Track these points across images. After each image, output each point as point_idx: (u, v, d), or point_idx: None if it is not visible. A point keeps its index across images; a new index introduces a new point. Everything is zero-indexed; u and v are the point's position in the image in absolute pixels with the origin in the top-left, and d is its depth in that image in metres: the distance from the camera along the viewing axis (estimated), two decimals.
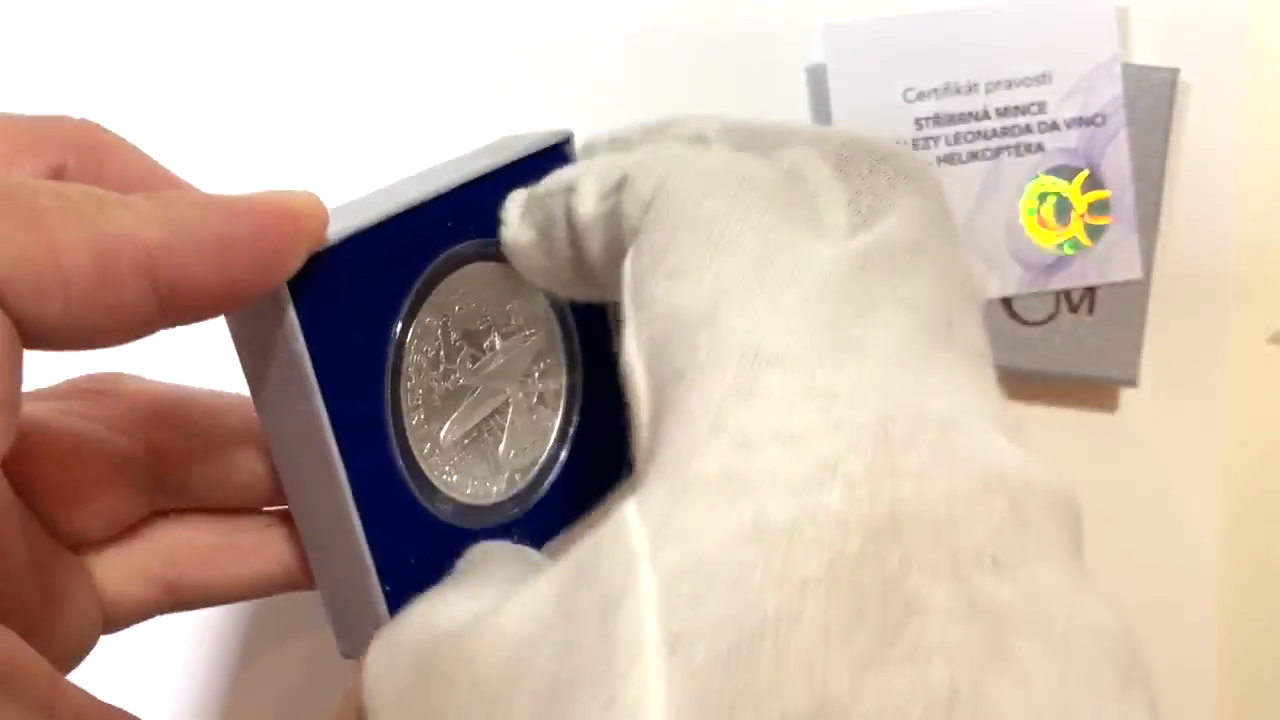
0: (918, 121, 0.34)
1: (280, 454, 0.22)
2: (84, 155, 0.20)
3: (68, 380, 0.24)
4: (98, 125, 0.21)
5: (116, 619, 0.23)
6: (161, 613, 0.24)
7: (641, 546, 0.15)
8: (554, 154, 0.25)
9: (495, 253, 0.24)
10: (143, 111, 0.35)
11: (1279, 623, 0.36)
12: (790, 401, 0.16)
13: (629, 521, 0.16)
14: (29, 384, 0.23)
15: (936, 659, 0.14)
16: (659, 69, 0.35)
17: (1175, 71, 0.34)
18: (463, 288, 0.24)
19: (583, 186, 0.21)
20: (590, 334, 0.27)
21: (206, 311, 0.19)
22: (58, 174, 0.20)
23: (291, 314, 0.20)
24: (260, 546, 0.24)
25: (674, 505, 0.15)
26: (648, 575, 0.15)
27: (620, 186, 0.20)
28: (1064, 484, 0.17)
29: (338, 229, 0.21)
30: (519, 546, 0.25)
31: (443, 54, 0.35)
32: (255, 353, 0.21)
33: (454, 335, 0.24)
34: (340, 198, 0.22)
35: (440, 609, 0.19)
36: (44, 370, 0.23)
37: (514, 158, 0.24)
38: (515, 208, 0.23)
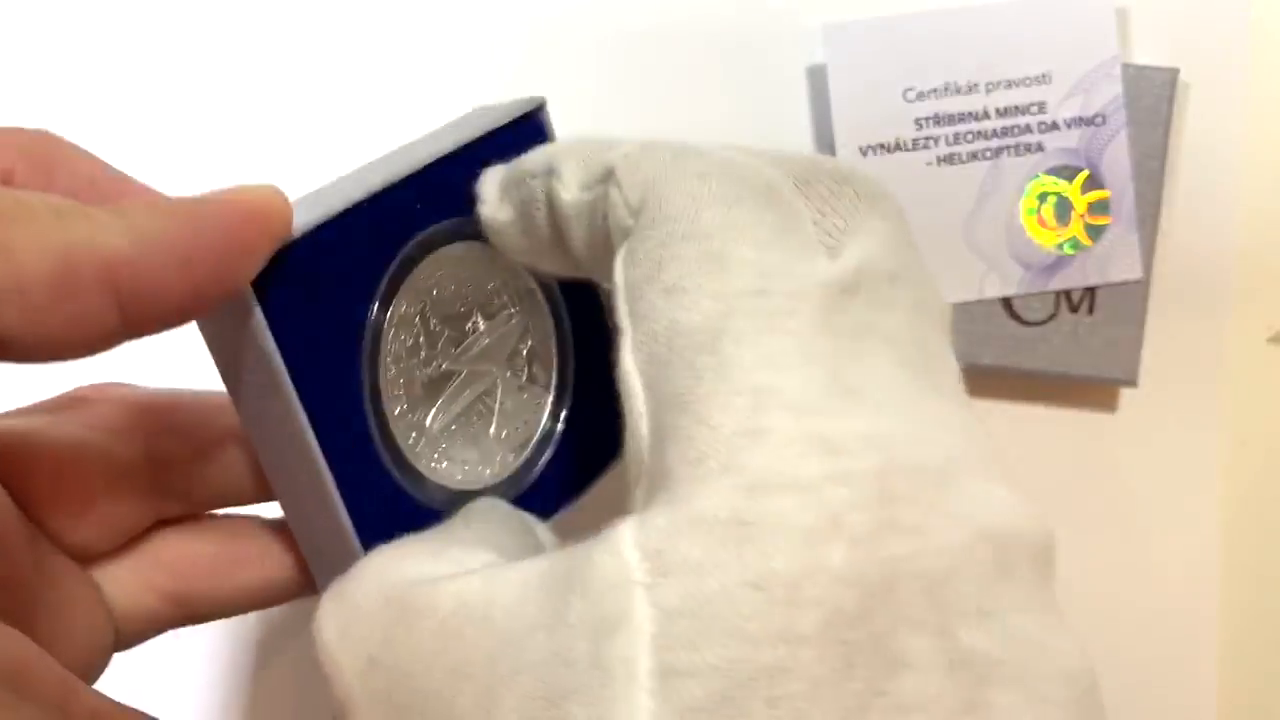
0: (918, 121, 0.34)
1: (263, 454, 0.22)
2: (33, 162, 0.20)
3: (61, 394, 0.24)
4: (48, 133, 0.21)
5: (128, 635, 0.23)
6: (172, 626, 0.24)
7: (640, 575, 0.16)
8: (528, 123, 0.25)
9: (472, 231, 0.23)
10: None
11: (1279, 623, 0.36)
12: (798, 448, 0.16)
13: (627, 545, 0.16)
14: (22, 400, 0.23)
15: (915, 715, 0.15)
16: (659, 69, 0.35)
17: (1175, 71, 0.34)
18: (440, 270, 0.23)
19: (565, 171, 0.21)
20: (579, 307, 0.26)
21: (171, 320, 0.19)
22: (5, 180, 0.20)
23: (258, 313, 0.20)
24: (264, 553, 0.24)
25: (677, 539, 0.16)
26: (644, 607, 0.15)
27: (606, 179, 0.20)
28: (1041, 522, 0.18)
29: (302, 221, 0.20)
30: (519, 512, 0.24)
31: (441, 53, 0.35)
32: (226, 353, 0.21)
33: (433, 321, 0.24)
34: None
35: (420, 561, 0.19)
36: (33, 388, 0.23)
37: (485, 130, 0.23)
38: (492, 186, 0.23)
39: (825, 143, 0.35)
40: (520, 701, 0.16)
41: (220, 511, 0.25)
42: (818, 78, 0.34)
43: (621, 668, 0.15)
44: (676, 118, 0.35)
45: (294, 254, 0.20)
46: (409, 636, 0.18)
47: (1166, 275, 0.35)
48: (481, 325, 0.25)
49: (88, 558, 0.22)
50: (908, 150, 0.34)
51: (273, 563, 0.24)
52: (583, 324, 0.26)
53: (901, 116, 0.34)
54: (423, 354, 0.24)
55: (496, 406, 0.25)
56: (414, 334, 0.23)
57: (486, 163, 0.23)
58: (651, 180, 0.19)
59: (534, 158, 0.22)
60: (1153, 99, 0.34)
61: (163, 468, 0.23)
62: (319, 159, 0.35)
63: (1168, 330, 0.35)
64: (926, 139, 0.34)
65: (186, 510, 0.24)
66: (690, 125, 0.35)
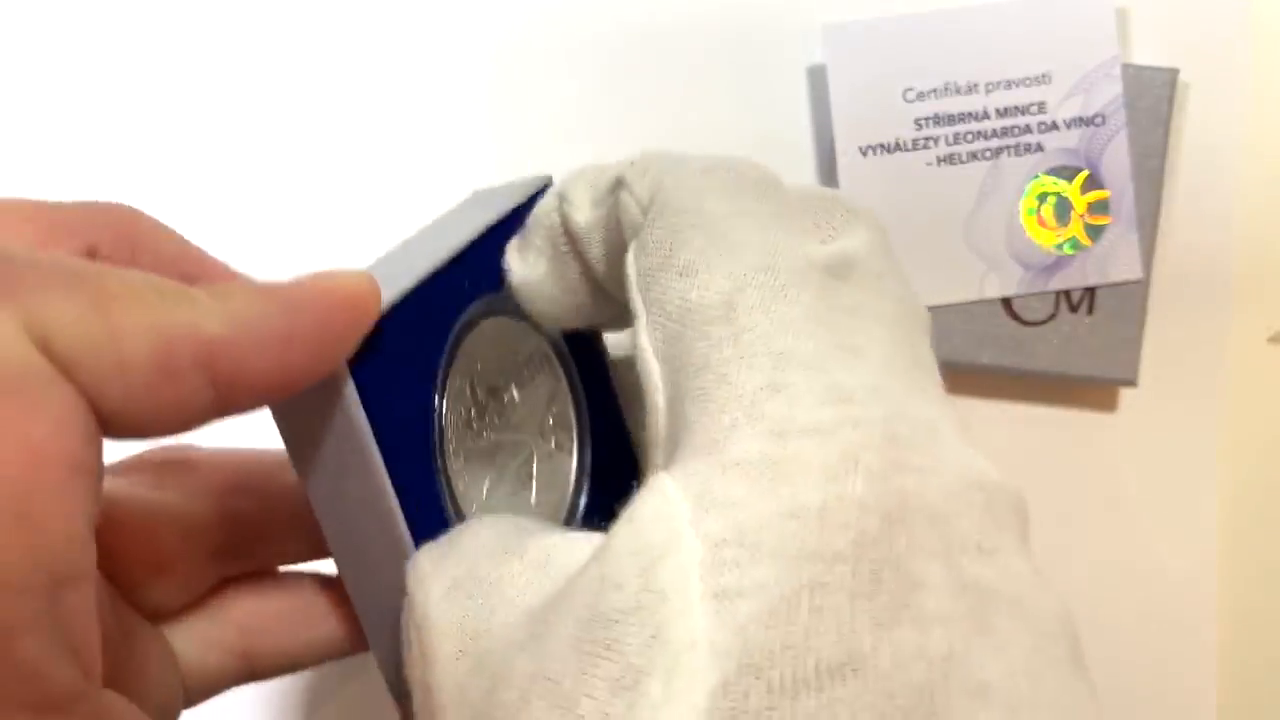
0: (918, 121, 0.34)
1: (336, 529, 0.21)
2: (117, 238, 0.21)
3: (137, 454, 0.24)
4: (131, 208, 0.21)
5: (196, 691, 0.23)
6: (238, 683, 0.24)
7: (684, 513, 0.17)
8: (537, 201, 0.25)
9: (503, 307, 0.24)
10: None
11: (1279, 623, 0.36)
12: (815, 397, 0.18)
13: (668, 491, 0.18)
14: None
15: (935, 626, 0.16)
16: (659, 69, 0.35)
17: (1175, 71, 0.34)
18: (481, 345, 0.24)
19: (575, 195, 0.22)
20: (588, 370, 0.27)
21: (264, 401, 0.19)
22: (91, 255, 0.20)
23: (352, 391, 0.20)
24: (327, 610, 0.24)
25: (714, 481, 0.17)
26: (692, 539, 0.17)
27: (615, 188, 0.21)
28: (1015, 486, 0.19)
29: (384, 298, 0.21)
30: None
31: (440, 53, 0.35)
32: (307, 431, 0.20)
33: (480, 393, 0.24)
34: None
35: (491, 535, 0.20)
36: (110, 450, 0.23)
37: (507, 210, 0.24)
38: (515, 252, 0.24)
39: (825, 143, 0.35)
40: (575, 626, 0.17)
41: (283, 568, 0.25)
42: (818, 78, 0.34)
43: (675, 590, 0.16)
44: (677, 118, 0.35)
45: (378, 331, 0.20)
46: (499, 575, 0.19)
47: (1166, 275, 0.35)
48: (516, 395, 0.25)
49: (161, 616, 0.23)
50: (908, 150, 0.34)
51: (335, 619, 0.24)
52: (594, 387, 0.27)
53: (901, 116, 0.34)
54: (474, 426, 0.24)
55: (534, 474, 0.26)
56: (466, 408, 0.24)
57: (506, 239, 0.24)
58: (658, 178, 0.21)
59: (544, 201, 0.23)
60: (1153, 99, 0.34)
61: (232, 527, 0.23)
62: (320, 164, 0.35)
63: (1168, 330, 0.35)
64: (926, 139, 0.34)
65: (253, 568, 0.24)
66: (690, 125, 0.35)
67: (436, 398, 0.22)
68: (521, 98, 0.35)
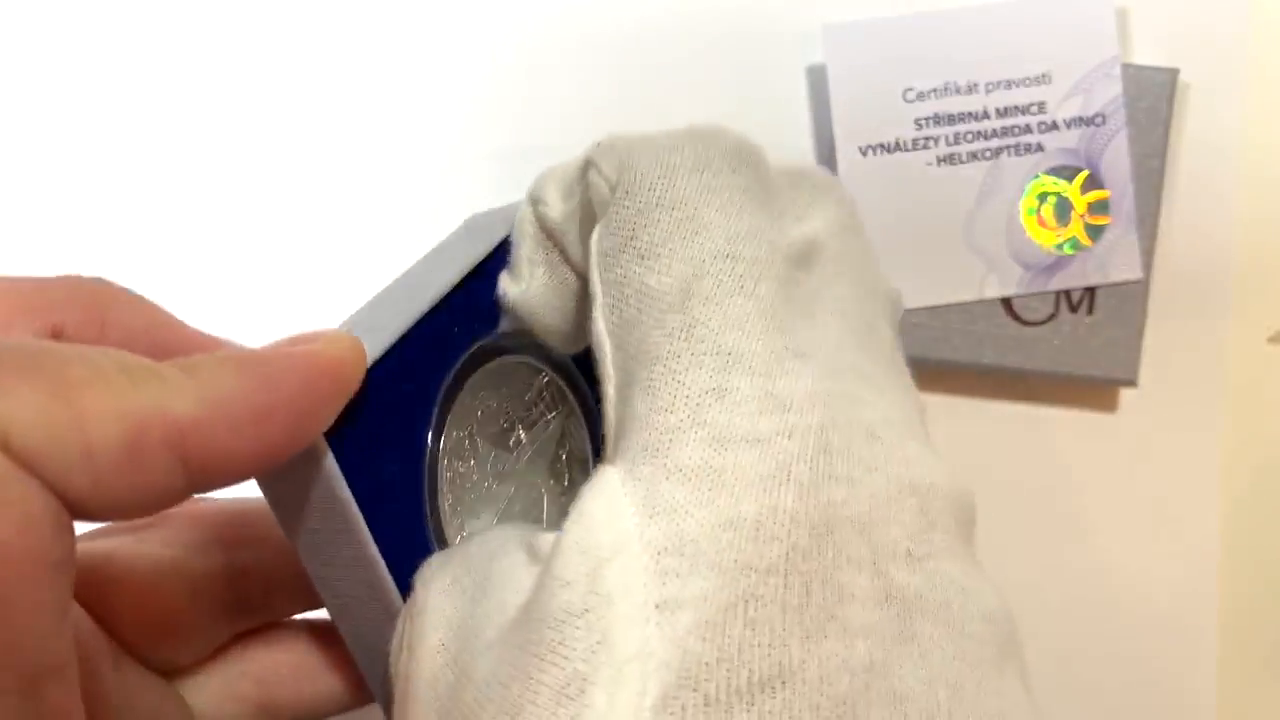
0: (918, 121, 0.34)
1: (328, 592, 0.21)
2: (84, 313, 0.20)
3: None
4: (99, 280, 0.21)
5: None
6: None
7: (630, 516, 0.17)
8: None
9: (502, 345, 0.23)
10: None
11: (1279, 622, 0.36)
12: (755, 405, 0.18)
13: (616, 492, 0.18)
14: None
15: (859, 638, 0.17)
16: (659, 69, 0.35)
17: (1175, 71, 0.34)
18: (482, 390, 0.23)
19: (545, 193, 0.22)
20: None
21: (240, 478, 0.18)
22: (56, 334, 0.20)
23: (331, 463, 0.19)
24: (344, 658, 0.24)
25: (659, 486, 0.18)
26: (637, 545, 0.17)
27: (584, 173, 0.21)
28: (961, 484, 0.19)
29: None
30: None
31: (441, 53, 0.35)
32: (290, 500, 0.20)
33: (480, 442, 0.23)
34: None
35: (496, 537, 0.20)
36: None
37: (492, 244, 0.23)
38: (506, 276, 0.23)
39: (825, 143, 0.35)
40: (526, 627, 0.17)
41: (300, 617, 0.25)
42: (818, 78, 0.34)
43: (621, 595, 0.17)
44: (676, 118, 0.35)
45: (362, 400, 0.19)
46: (493, 572, 0.19)
47: (1166, 275, 0.35)
48: (524, 437, 0.25)
49: (174, 672, 0.23)
50: (908, 150, 0.34)
51: (354, 667, 0.24)
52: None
53: (901, 116, 0.34)
54: (474, 477, 0.23)
55: (544, 516, 0.25)
56: (466, 458, 0.23)
57: (496, 272, 0.23)
58: (625, 155, 0.21)
59: (519, 212, 0.23)
60: (1153, 99, 0.34)
61: (242, 580, 0.23)
62: (320, 165, 0.35)
63: (1168, 330, 0.35)
64: (926, 139, 0.34)
65: (267, 619, 0.24)
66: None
67: (430, 450, 0.22)
68: (520, 98, 0.35)
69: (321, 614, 0.24)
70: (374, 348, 0.20)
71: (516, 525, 0.22)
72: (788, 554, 0.17)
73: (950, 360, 0.34)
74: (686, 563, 0.17)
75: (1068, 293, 0.34)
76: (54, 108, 0.35)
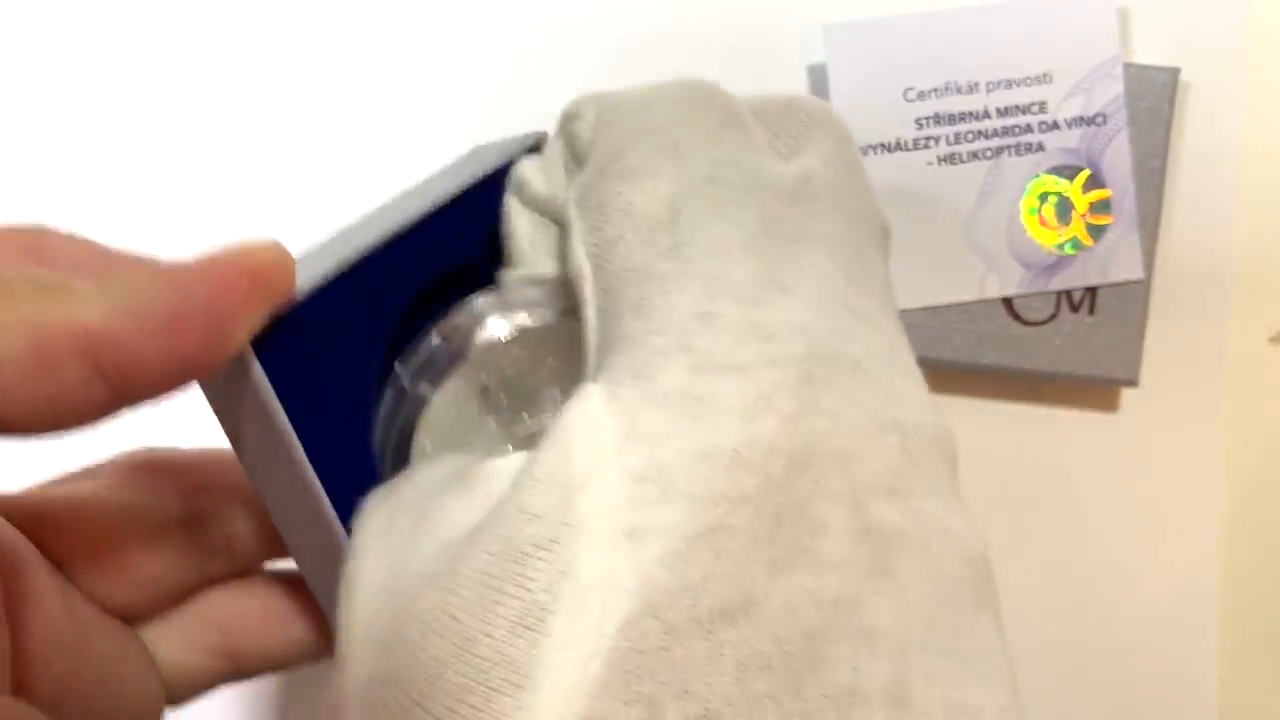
0: (918, 121, 0.34)
1: (277, 516, 0.21)
2: (23, 255, 0.20)
3: (100, 460, 0.24)
4: (37, 225, 0.21)
5: (179, 690, 0.23)
6: (223, 682, 0.24)
7: (610, 442, 0.17)
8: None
9: (488, 272, 0.23)
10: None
11: (1279, 623, 0.36)
12: (739, 333, 0.18)
13: (598, 416, 0.17)
14: (63, 469, 0.23)
15: (830, 571, 0.17)
16: (659, 69, 0.35)
17: (1175, 71, 0.34)
18: (514, 349, 0.22)
19: (526, 175, 0.22)
20: None
21: (166, 387, 0.18)
22: None
23: (258, 372, 0.19)
24: (310, 608, 0.24)
25: (641, 412, 0.17)
26: (614, 471, 0.17)
27: (564, 128, 0.21)
28: (942, 422, 0.19)
29: (306, 278, 0.19)
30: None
31: (438, 52, 0.35)
32: (231, 417, 0.20)
33: (506, 397, 0.23)
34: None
35: (437, 470, 0.19)
36: (67, 456, 0.23)
37: (488, 170, 0.23)
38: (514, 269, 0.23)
39: None
40: (484, 559, 0.16)
41: (268, 566, 0.25)
42: (818, 78, 0.34)
43: (590, 524, 0.16)
44: None
45: (298, 313, 0.19)
46: (432, 507, 0.18)
47: (1167, 275, 0.35)
48: (559, 397, 0.24)
49: (135, 618, 0.23)
50: (908, 150, 0.34)
51: (320, 618, 0.24)
52: None
53: (902, 116, 0.34)
54: (453, 410, 0.23)
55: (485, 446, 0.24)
56: (475, 404, 0.22)
57: (496, 199, 0.23)
58: (604, 98, 0.21)
59: (507, 210, 0.23)
60: (1153, 99, 0.34)
61: (203, 526, 0.23)
62: (320, 165, 0.35)
63: (1168, 330, 0.35)
64: (927, 139, 0.34)
65: (233, 568, 0.24)
66: None
67: (383, 377, 0.21)
68: (518, 98, 0.35)
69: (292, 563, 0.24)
70: (321, 269, 0.19)
71: (457, 455, 0.21)
72: (761, 484, 0.17)
73: (950, 360, 0.34)
74: (660, 490, 0.16)
75: (1068, 292, 0.34)
76: (54, 108, 0.35)
